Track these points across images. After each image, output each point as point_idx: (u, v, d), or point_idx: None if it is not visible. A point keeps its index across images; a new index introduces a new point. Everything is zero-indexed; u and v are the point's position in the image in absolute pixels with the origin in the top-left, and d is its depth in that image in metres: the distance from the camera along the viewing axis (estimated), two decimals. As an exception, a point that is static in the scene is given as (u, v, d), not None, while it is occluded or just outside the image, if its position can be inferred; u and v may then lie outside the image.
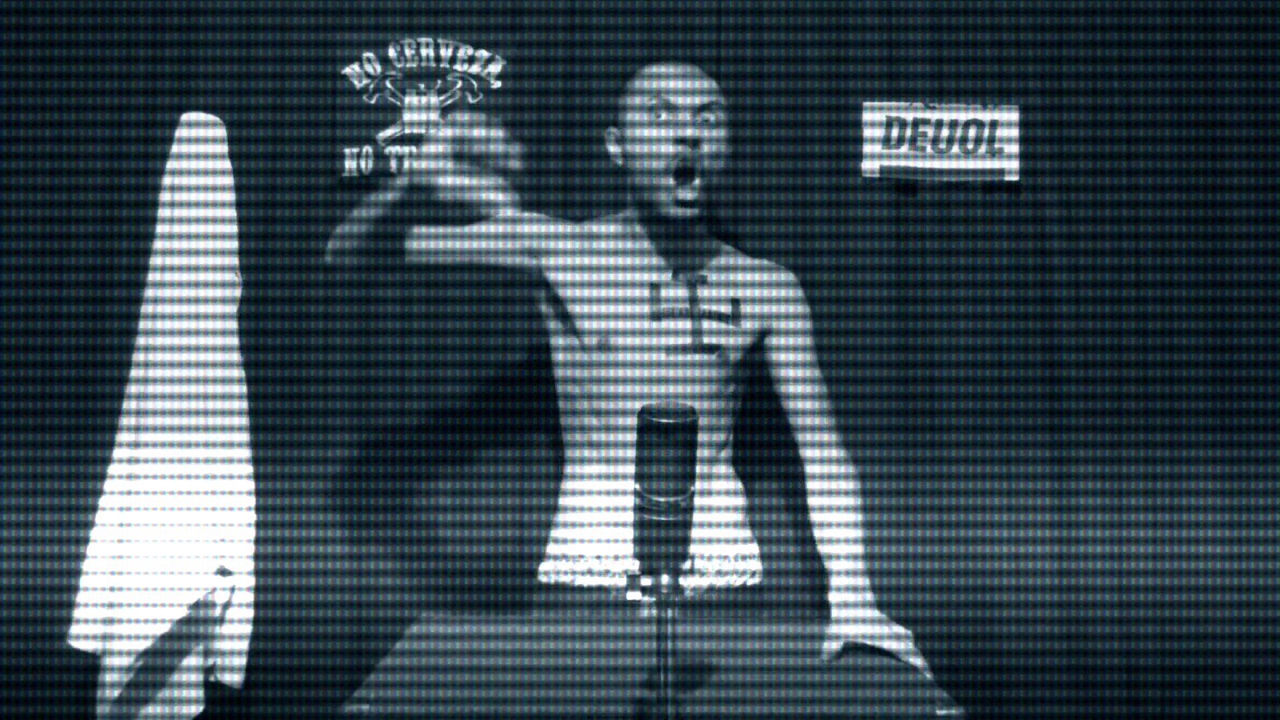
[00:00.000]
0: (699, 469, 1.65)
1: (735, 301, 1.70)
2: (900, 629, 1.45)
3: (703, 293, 1.69)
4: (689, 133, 1.57)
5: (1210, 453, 2.12)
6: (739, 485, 1.78)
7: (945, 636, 2.07)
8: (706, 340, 1.67)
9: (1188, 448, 2.12)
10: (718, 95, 1.63)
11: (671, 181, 1.59)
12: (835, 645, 1.42)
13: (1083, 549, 2.10)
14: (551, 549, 1.75)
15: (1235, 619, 2.08)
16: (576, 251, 1.69)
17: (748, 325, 1.71)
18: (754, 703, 1.20)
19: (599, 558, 1.69)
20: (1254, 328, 2.13)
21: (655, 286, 1.67)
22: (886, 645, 1.43)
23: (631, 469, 1.58)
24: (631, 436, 1.59)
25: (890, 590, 2.04)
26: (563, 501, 1.75)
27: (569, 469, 1.76)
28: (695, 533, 1.61)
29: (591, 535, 1.69)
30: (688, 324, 1.67)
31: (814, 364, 1.75)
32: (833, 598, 1.55)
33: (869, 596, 1.56)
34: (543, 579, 1.74)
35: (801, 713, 1.18)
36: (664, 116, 1.59)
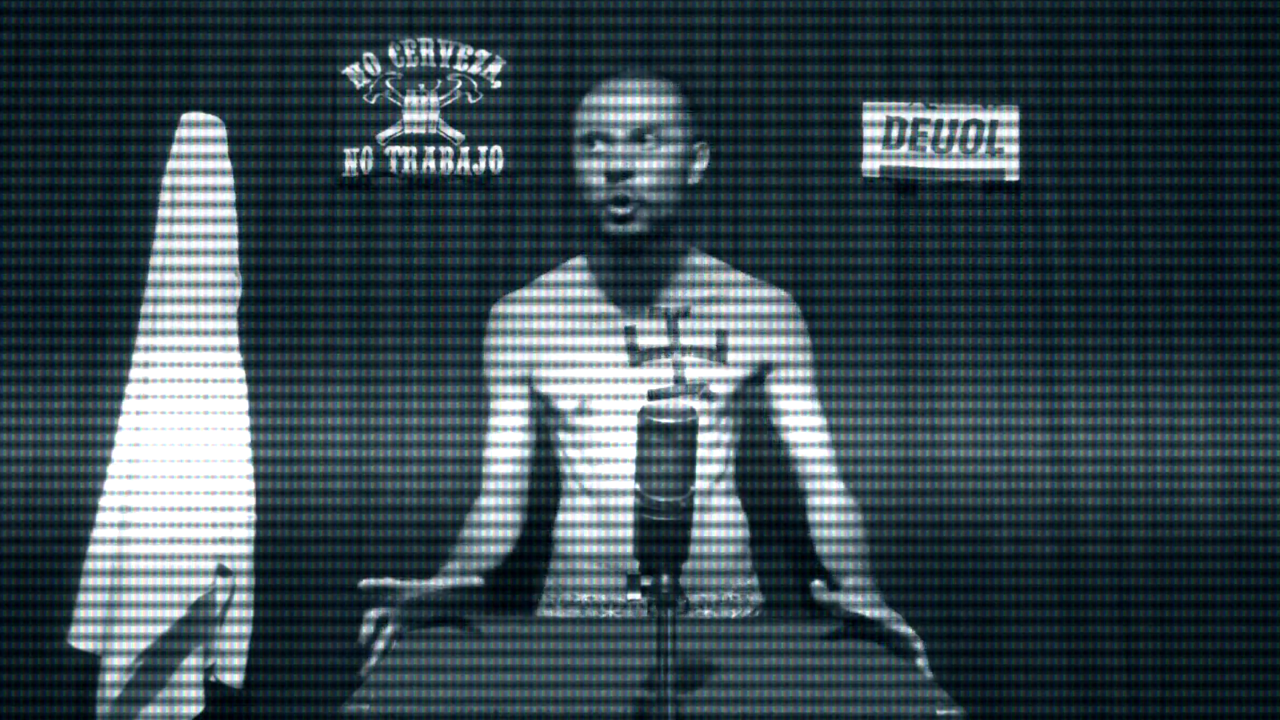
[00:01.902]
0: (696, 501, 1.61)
1: (721, 334, 1.62)
2: (908, 629, 1.38)
3: (684, 325, 1.61)
4: (618, 165, 1.51)
5: (1212, 444, 2.12)
6: (741, 515, 1.70)
7: (945, 636, 2.07)
8: (690, 378, 1.60)
9: (1189, 446, 2.12)
10: (660, 113, 1.53)
11: (604, 213, 1.54)
12: (842, 609, 1.35)
13: (1086, 565, 2.10)
14: (548, 595, 1.72)
15: (1236, 615, 2.09)
16: (543, 331, 1.64)
17: (736, 359, 1.62)
18: (754, 703, 1.20)
19: (595, 604, 1.65)
20: (1254, 328, 2.13)
21: (630, 331, 1.61)
22: (894, 628, 1.35)
23: (626, 516, 1.57)
24: (623, 484, 1.56)
25: (886, 575, 2.05)
26: (558, 549, 1.70)
27: (564, 514, 1.70)
28: (695, 564, 1.57)
29: (588, 583, 1.65)
30: (668, 359, 1.60)
31: (816, 398, 1.67)
32: (846, 582, 1.49)
33: (880, 597, 1.48)
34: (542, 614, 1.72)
35: (802, 713, 1.18)
36: (598, 147, 1.53)
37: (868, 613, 1.36)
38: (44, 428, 2.07)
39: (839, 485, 1.65)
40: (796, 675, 1.31)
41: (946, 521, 2.10)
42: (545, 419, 1.69)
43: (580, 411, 1.61)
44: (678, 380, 1.60)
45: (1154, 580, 2.09)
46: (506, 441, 1.67)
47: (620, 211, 1.53)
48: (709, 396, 1.60)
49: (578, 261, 1.70)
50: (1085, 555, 2.10)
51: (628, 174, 1.52)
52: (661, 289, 1.63)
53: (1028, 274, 2.14)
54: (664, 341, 1.60)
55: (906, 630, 1.35)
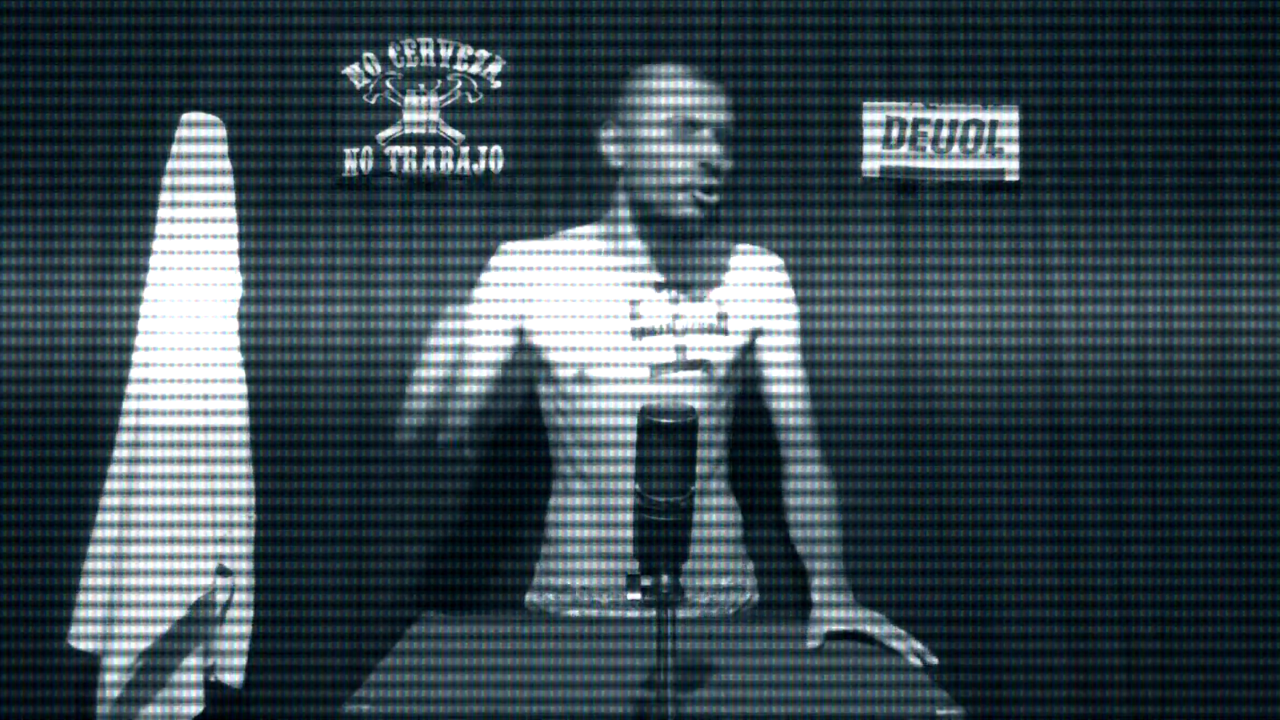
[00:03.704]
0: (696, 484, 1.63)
1: (722, 310, 1.66)
2: (877, 614, 1.47)
3: (686, 307, 1.64)
4: (715, 158, 1.55)
5: (1213, 468, 2.12)
6: (735, 505, 1.75)
7: (946, 636, 2.07)
8: (691, 356, 1.63)
9: (1189, 446, 2.12)
10: (733, 113, 1.60)
11: (690, 198, 1.56)
12: (818, 630, 1.45)
13: (1086, 565, 2.10)
14: (538, 579, 1.73)
15: (1238, 615, 2.09)
16: (548, 284, 1.63)
17: (736, 330, 1.66)
18: (754, 703, 1.20)
19: (586, 589, 1.66)
20: (1253, 328, 2.13)
21: (635, 302, 1.63)
22: (867, 629, 1.45)
23: (620, 500, 1.58)
24: (620, 468, 1.58)
25: (885, 575, 2.05)
26: (550, 533, 1.71)
27: (556, 498, 1.71)
28: (691, 563, 1.62)
29: (579, 566, 1.66)
30: (670, 339, 1.63)
31: (799, 366, 1.71)
32: (815, 597, 1.56)
33: (849, 595, 1.57)
34: (529, 607, 1.73)
35: (801, 713, 1.18)
36: (687, 134, 1.55)
37: (840, 628, 1.47)
38: (42, 428, 2.07)
39: (816, 454, 1.70)
40: (796, 675, 1.31)
41: (944, 522, 2.10)
42: (537, 377, 1.68)
43: (579, 379, 1.61)
44: (679, 351, 1.62)
45: (1154, 564, 2.10)
46: (484, 361, 1.64)
47: (710, 200, 1.57)
48: (708, 367, 1.63)
49: (591, 230, 1.69)
50: (1084, 538, 2.10)
51: (719, 170, 1.56)
52: (673, 257, 1.65)
53: (1028, 274, 2.14)
54: (666, 317, 1.63)
55: (898, 646, 1.43)
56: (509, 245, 1.68)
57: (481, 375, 1.64)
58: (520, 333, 1.65)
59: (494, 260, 1.67)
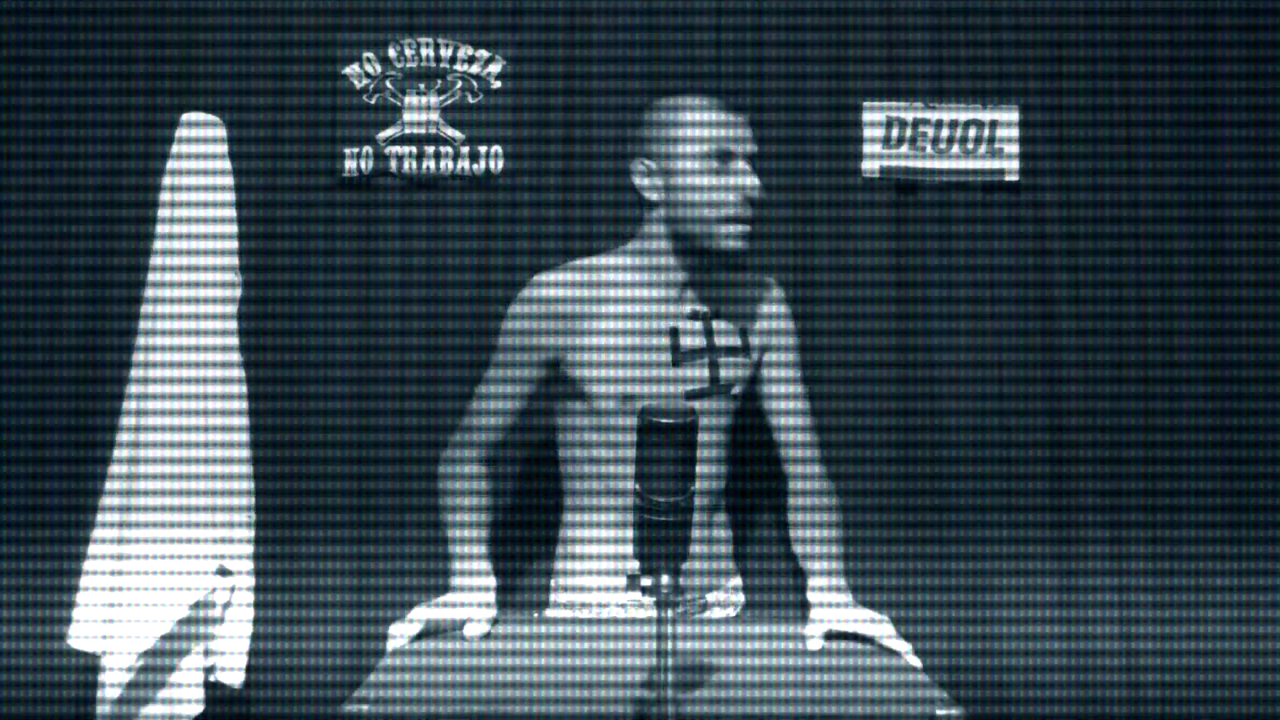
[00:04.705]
0: (700, 517, 1.66)
1: (744, 332, 1.70)
2: (878, 615, 1.48)
3: (717, 326, 1.68)
4: (755, 189, 1.57)
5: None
6: (728, 523, 1.78)
7: (945, 636, 2.07)
8: (723, 377, 1.66)
9: (1187, 446, 2.12)
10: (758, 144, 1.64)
11: (731, 229, 1.58)
12: (817, 630, 1.46)
13: (1081, 546, 2.10)
14: (561, 595, 1.71)
15: (1236, 617, 2.09)
16: (588, 315, 1.61)
17: (754, 353, 1.72)
18: (754, 703, 1.20)
19: (621, 605, 1.65)
20: (1254, 328, 2.13)
21: (675, 330, 1.64)
22: (866, 630, 1.46)
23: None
24: None
25: (883, 593, 2.05)
26: (574, 549, 1.69)
27: (577, 514, 1.69)
28: (693, 580, 1.66)
29: (611, 583, 1.64)
30: (705, 360, 1.66)
31: (801, 382, 1.76)
32: (812, 597, 1.56)
33: (848, 596, 1.58)
34: (550, 614, 1.72)
35: (801, 713, 1.18)
36: (724, 166, 1.58)
37: (843, 628, 1.47)
38: (42, 428, 2.07)
39: (819, 470, 1.74)
40: (796, 676, 1.31)
41: (944, 521, 2.10)
42: (564, 393, 1.67)
43: (622, 397, 1.61)
44: (713, 380, 1.66)
45: (1152, 564, 2.09)
46: (505, 409, 1.67)
47: (748, 230, 1.60)
48: (735, 398, 1.69)
49: (627, 258, 1.67)
50: (1083, 538, 2.10)
51: (756, 199, 1.59)
52: (705, 288, 1.68)
53: (1028, 274, 2.14)
54: (702, 343, 1.66)
55: (898, 646, 1.44)
56: (541, 278, 1.63)
57: (511, 407, 1.66)
58: (554, 365, 1.63)
59: (525, 293, 1.63)
